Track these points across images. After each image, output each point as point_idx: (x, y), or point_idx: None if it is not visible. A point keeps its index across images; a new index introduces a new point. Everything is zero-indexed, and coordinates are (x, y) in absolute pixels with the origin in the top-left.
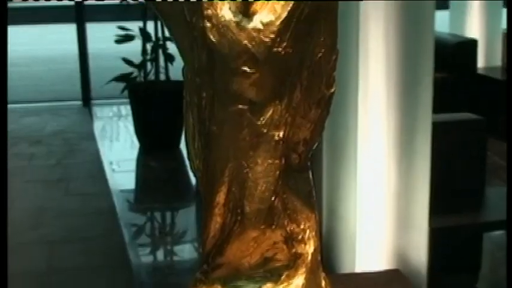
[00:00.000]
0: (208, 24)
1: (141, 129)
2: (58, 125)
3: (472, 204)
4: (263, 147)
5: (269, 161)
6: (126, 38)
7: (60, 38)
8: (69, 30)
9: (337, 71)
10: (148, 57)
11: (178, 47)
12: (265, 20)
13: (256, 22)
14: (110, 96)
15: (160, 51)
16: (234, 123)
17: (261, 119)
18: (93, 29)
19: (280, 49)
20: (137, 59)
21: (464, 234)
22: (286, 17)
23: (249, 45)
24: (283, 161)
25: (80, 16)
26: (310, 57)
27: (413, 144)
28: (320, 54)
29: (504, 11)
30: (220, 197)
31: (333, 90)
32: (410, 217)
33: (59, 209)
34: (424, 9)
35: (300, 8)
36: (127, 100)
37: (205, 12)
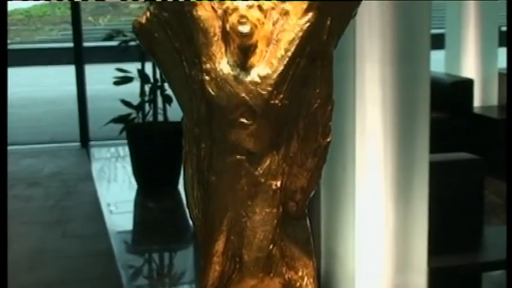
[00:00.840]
0: (207, 78)
1: (139, 171)
2: (56, 166)
3: (471, 244)
4: (261, 197)
5: (267, 210)
6: (125, 80)
7: (58, 79)
8: (67, 71)
9: (334, 116)
10: (146, 98)
11: (177, 99)
12: (263, 73)
13: (253, 75)
14: (108, 137)
15: (158, 92)
16: (233, 173)
17: (259, 169)
18: (92, 71)
19: (277, 101)
20: (135, 100)
21: (464, 274)
22: (282, 70)
23: (247, 98)
24: (280, 210)
25: (78, 58)
26: (307, 108)
27: (411, 184)
28: (316, 105)
29: (500, 51)
30: (219, 246)
31: (329, 139)
32: (409, 257)
33: (57, 251)
34: (420, 49)
35: (296, 61)
36: (125, 141)
37: (204, 66)
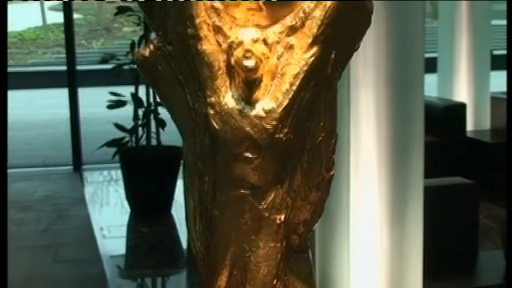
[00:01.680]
0: (211, 111)
1: (132, 194)
2: (48, 190)
3: (466, 268)
4: (265, 231)
5: (271, 244)
6: (118, 104)
7: (51, 102)
8: (61, 95)
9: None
10: (140, 122)
11: (180, 131)
12: (267, 107)
13: (258, 109)
14: (101, 161)
15: (152, 116)
16: (236, 207)
17: (263, 203)
18: (85, 94)
19: (281, 135)
20: (129, 123)
21: None
22: (287, 105)
23: (252, 132)
24: (284, 243)
25: (72, 81)
26: (311, 142)
27: (406, 209)
28: (320, 138)
29: (492, 74)
30: (222, 281)
31: (332, 172)
32: (404, 282)
33: (49, 275)
34: (413, 73)
35: (301, 95)
36: (118, 165)
37: (208, 100)
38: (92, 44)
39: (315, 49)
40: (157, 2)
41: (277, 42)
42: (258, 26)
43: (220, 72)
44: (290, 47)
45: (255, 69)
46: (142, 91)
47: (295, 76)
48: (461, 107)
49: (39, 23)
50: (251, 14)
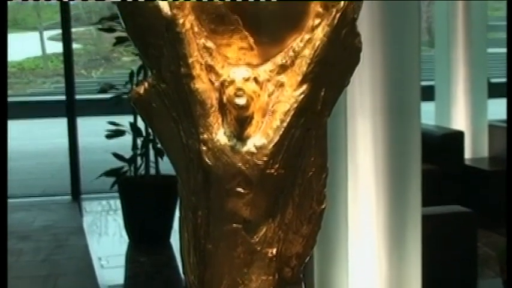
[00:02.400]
0: (204, 148)
1: (131, 224)
2: (47, 220)
3: None
4: (257, 264)
5: (263, 277)
6: (117, 133)
7: (50, 132)
8: (59, 124)
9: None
10: (138, 151)
11: (174, 167)
12: (258, 143)
13: (250, 146)
14: (100, 190)
15: (150, 145)
16: (229, 241)
17: (255, 237)
18: (84, 123)
19: (273, 170)
20: (127, 153)
21: None
22: (278, 141)
23: (243, 168)
24: (276, 276)
25: (70, 110)
26: (302, 177)
27: (404, 237)
28: (311, 173)
29: (489, 102)
30: None
31: (323, 206)
32: None
33: None
34: (410, 102)
35: (291, 131)
36: (117, 194)
37: (201, 137)
38: (91, 73)
39: (304, 87)
40: (152, 42)
41: (268, 80)
42: (249, 64)
43: (212, 109)
44: (280, 85)
45: (246, 107)
46: (140, 120)
47: (286, 113)
48: (459, 135)
49: (39, 53)
50: (242, 53)
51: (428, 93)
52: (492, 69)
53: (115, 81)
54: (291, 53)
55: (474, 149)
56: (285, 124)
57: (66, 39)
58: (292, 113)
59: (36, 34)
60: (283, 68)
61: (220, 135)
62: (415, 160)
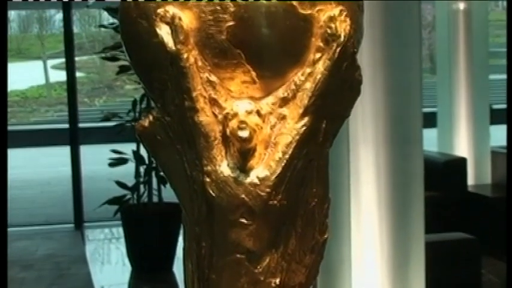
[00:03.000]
0: (208, 180)
1: (134, 252)
2: (49, 248)
3: None
4: None
5: None
6: (120, 162)
7: (53, 160)
8: (63, 152)
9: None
10: (141, 179)
11: (178, 198)
12: (261, 175)
13: (252, 177)
14: (103, 218)
15: (153, 173)
16: (233, 271)
17: (258, 267)
18: (87, 151)
19: (275, 201)
20: (130, 181)
21: None
22: (280, 172)
23: (246, 199)
24: None
25: (74, 139)
26: (304, 207)
27: (407, 264)
28: (313, 204)
29: (492, 128)
30: None
31: (326, 236)
32: None
33: None
34: (412, 129)
35: (294, 163)
36: (119, 222)
37: (205, 168)
38: (94, 101)
39: (306, 119)
40: (157, 76)
41: (270, 113)
42: (252, 97)
43: (216, 142)
44: (282, 118)
45: (249, 139)
46: (143, 148)
47: (288, 145)
48: (462, 161)
49: (42, 82)
50: (245, 87)
51: (430, 120)
52: (494, 95)
53: (118, 109)
54: (293, 86)
55: (477, 176)
56: (287, 156)
57: (70, 68)
58: (294, 144)
59: (39, 63)
60: (285, 101)
61: (224, 167)
62: (417, 187)
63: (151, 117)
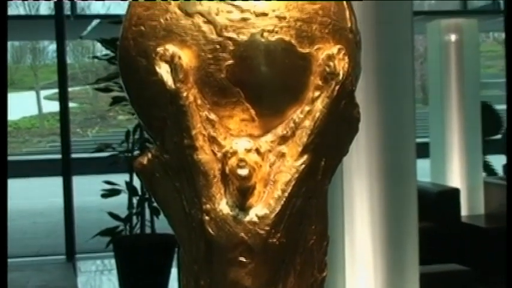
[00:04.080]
0: (207, 218)
1: (126, 284)
2: (41, 280)
3: None
4: None
5: None
6: (113, 193)
7: (46, 191)
8: (55, 183)
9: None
10: (134, 210)
11: (176, 235)
12: (260, 213)
13: (252, 215)
14: (95, 250)
15: (146, 204)
16: None
17: None
18: (80, 182)
19: (274, 240)
20: (123, 212)
21: None
22: (279, 211)
23: (246, 237)
24: None
25: (66, 169)
26: (303, 245)
27: None
28: (312, 241)
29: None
30: None
31: (324, 274)
32: None
33: None
34: (405, 159)
35: (293, 201)
36: (112, 254)
37: (204, 207)
38: (86, 132)
39: (305, 157)
40: (156, 114)
41: (269, 151)
42: (251, 135)
43: (215, 180)
44: (282, 155)
45: (248, 177)
46: (136, 179)
47: (287, 183)
48: (455, 192)
49: (35, 112)
50: (244, 125)
51: (423, 150)
52: (486, 126)
53: (111, 139)
54: (292, 124)
55: (470, 206)
56: (286, 194)
57: (63, 98)
58: (293, 183)
59: (32, 94)
60: (284, 139)
61: (223, 205)
62: (411, 218)
63: (149, 155)
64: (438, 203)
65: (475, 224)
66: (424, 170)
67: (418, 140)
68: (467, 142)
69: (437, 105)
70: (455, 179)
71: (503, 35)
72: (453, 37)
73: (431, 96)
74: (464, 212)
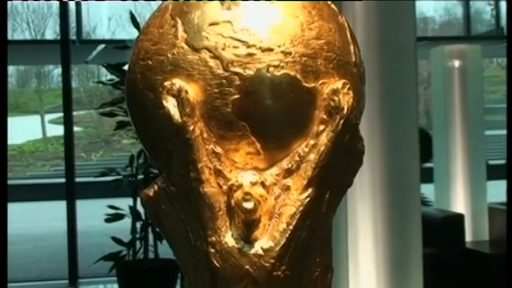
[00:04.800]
0: (212, 250)
1: None
2: None
3: None
4: None
5: None
6: (116, 217)
7: (49, 215)
8: (58, 207)
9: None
10: (137, 235)
11: (181, 266)
12: (266, 246)
13: (257, 248)
14: (98, 274)
15: (149, 229)
16: None
17: None
18: (83, 206)
19: (279, 272)
20: (126, 236)
21: None
22: (284, 243)
23: (251, 270)
24: None
25: (70, 193)
26: (308, 277)
27: None
28: (316, 273)
29: (488, 184)
30: None
31: None
32: None
33: None
34: (409, 185)
35: (298, 233)
36: (115, 278)
37: (209, 239)
38: (91, 156)
39: (310, 191)
40: (162, 147)
41: (275, 184)
42: (256, 169)
43: (220, 213)
44: (286, 188)
45: (254, 210)
46: (140, 204)
47: (292, 216)
48: (459, 217)
49: (39, 136)
50: (250, 158)
51: (427, 175)
52: (490, 151)
53: (115, 163)
54: (297, 158)
55: (474, 232)
56: (291, 227)
57: (68, 122)
58: (298, 216)
59: (37, 117)
60: (289, 172)
61: (228, 238)
62: (415, 246)
63: (156, 187)
64: (442, 228)
65: (479, 250)
66: (428, 195)
67: (423, 165)
68: (471, 167)
69: (441, 130)
70: (459, 204)
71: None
72: (457, 63)
73: (435, 121)
74: (468, 237)
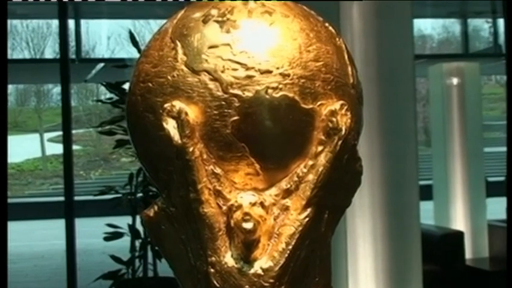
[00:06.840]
0: (212, 270)
1: None
2: None
3: None
4: None
5: None
6: (115, 236)
7: (48, 233)
8: (57, 225)
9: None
10: (137, 254)
11: (181, 287)
12: (265, 266)
13: (256, 268)
14: None
15: (149, 247)
16: None
17: None
18: (82, 224)
19: None
20: (125, 255)
21: None
22: (284, 263)
23: None
24: None
25: (69, 212)
26: None
27: None
28: None
29: (488, 201)
30: None
31: None
32: None
33: None
34: (409, 203)
35: (297, 253)
36: None
37: (209, 259)
38: (90, 174)
39: (308, 211)
40: (162, 167)
41: (274, 204)
42: (255, 189)
43: (220, 233)
44: (286, 209)
45: (253, 231)
46: (139, 222)
47: (291, 236)
48: (459, 234)
49: (38, 155)
50: (249, 179)
51: (426, 193)
52: (489, 168)
53: (114, 182)
54: (296, 178)
55: (474, 249)
56: (290, 247)
57: (67, 141)
58: (297, 236)
59: (36, 136)
60: (288, 193)
61: (228, 258)
62: (415, 263)
63: (156, 208)
64: (442, 246)
65: (479, 267)
66: (427, 213)
67: (421, 183)
68: (470, 184)
69: (440, 148)
70: (459, 221)
71: (505, 78)
72: (455, 80)
73: (434, 139)
74: (468, 254)
